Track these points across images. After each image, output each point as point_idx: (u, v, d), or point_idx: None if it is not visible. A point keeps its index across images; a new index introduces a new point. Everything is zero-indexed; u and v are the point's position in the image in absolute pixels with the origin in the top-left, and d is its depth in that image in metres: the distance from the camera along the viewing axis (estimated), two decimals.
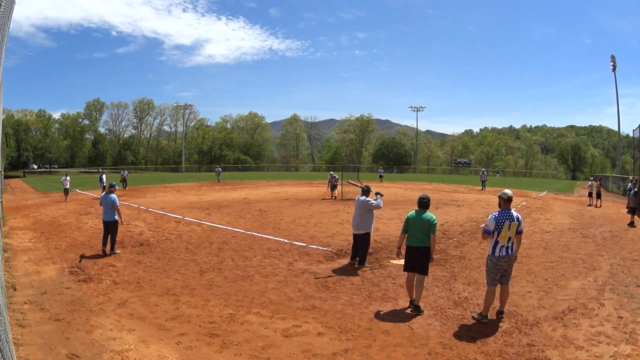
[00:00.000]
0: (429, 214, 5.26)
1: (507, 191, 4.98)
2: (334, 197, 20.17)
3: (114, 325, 4.64)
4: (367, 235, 7.34)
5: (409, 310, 5.22)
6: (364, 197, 7.33)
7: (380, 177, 37.18)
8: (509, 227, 4.82)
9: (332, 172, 22.33)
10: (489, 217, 4.93)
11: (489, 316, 4.94)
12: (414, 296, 5.27)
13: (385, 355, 4.04)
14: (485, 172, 30.40)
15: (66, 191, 18.54)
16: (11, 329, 4.24)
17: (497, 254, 4.87)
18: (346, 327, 4.69)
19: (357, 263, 7.38)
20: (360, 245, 7.37)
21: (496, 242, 4.86)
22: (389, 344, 4.30)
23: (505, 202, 4.92)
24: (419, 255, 5.18)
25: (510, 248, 4.89)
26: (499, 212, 4.92)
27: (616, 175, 35.94)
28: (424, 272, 5.23)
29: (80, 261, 7.49)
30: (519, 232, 4.92)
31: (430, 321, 4.91)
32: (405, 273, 5.42)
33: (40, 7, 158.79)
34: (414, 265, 5.23)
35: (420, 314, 5.11)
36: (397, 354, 4.08)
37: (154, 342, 4.24)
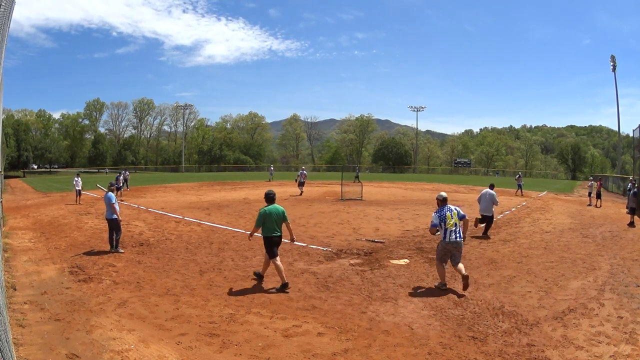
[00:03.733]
0: (278, 206, 6.25)
1: (443, 193, 6.34)
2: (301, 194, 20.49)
3: (114, 325, 4.64)
4: (491, 216, 10.46)
5: (274, 290, 5.94)
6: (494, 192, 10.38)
7: (357, 177, 31.49)
8: (452, 216, 6.05)
9: (303, 168, 21.94)
10: (432, 215, 6.16)
11: (447, 285, 6.17)
12: (283, 279, 6.05)
13: (385, 355, 4.04)
14: (519, 176, 25.65)
15: (78, 192, 17.60)
16: (11, 329, 4.25)
17: (447, 239, 6.02)
18: (346, 327, 4.69)
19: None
20: (485, 223, 10.31)
21: (446, 230, 6.03)
22: (389, 344, 4.30)
23: (441, 202, 6.20)
24: (278, 241, 6.19)
25: (458, 232, 6.02)
26: (438, 209, 6.18)
27: (616, 175, 35.94)
28: (277, 254, 6.21)
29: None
30: (461, 217, 6.17)
31: (430, 321, 4.92)
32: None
33: (41, 7, 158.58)
34: (275, 251, 6.16)
35: (288, 291, 5.91)
36: (397, 354, 4.08)
37: (154, 342, 4.24)
